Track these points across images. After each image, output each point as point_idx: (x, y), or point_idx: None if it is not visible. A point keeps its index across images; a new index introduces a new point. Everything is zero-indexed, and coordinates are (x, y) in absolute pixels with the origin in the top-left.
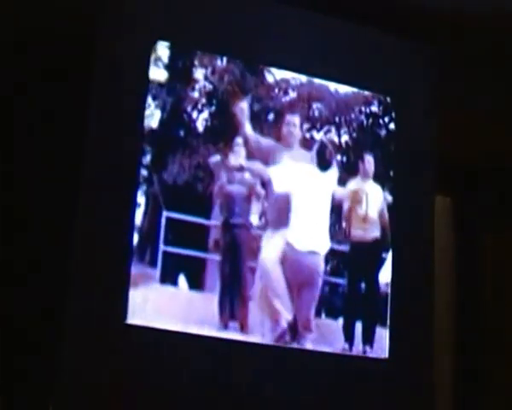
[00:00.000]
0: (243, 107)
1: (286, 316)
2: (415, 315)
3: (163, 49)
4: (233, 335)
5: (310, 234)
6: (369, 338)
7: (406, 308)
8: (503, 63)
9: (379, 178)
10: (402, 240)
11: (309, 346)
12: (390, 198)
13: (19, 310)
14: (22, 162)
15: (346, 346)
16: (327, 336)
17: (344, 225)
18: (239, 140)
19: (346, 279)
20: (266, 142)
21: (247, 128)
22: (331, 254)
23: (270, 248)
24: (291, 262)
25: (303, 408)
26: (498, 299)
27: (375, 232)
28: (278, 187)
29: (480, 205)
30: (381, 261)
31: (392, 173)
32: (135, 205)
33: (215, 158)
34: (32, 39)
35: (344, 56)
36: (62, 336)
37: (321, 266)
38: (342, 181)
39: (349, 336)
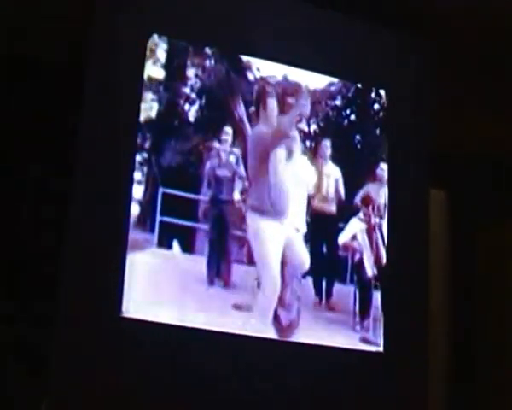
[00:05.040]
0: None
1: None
2: (409, 309)
3: (161, 52)
4: (218, 290)
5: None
6: (329, 292)
7: (400, 302)
8: (495, 53)
9: (337, 161)
10: (396, 233)
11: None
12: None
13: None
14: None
15: (317, 299)
16: (303, 294)
17: (309, 201)
18: (228, 129)
19: (310, 244)
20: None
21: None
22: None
23: (276, 239)
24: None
25: (299, 401)
26: (494, 292)
27: (332, 207)
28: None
29: (474, 198)
30: (338, 230)
31: (354, 159)
32: (131, 182)
33: (204, 144)
34: (29, 29)
35: (337, 49)
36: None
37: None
38: (309, 163)
39: (318, 291)
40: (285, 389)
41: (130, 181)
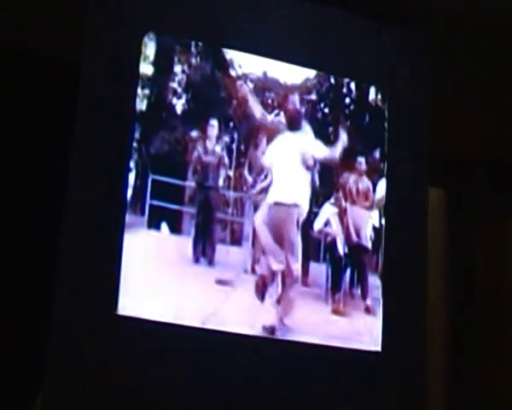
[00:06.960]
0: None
1: (278, 268)
2: (407, 308)
3: (150, 50)
4: (202, 267)
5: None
6: (305, 271)
7: (398, 301)
8: (495, 52)
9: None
10: (395, 232)
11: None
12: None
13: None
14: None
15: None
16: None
17: None
18: (213, 122)
19: None
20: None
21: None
22: None
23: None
24: (275, 218)
25: (298, 399)
26: (491, 291)
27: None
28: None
29: (473, 197)
30: (314, 214)
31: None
32: (128, 170)
33: (190, 134)
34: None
35: (334, 46)
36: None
37: (301, 215)
38: None
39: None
40: (283, 387)
41: (127, 170)
